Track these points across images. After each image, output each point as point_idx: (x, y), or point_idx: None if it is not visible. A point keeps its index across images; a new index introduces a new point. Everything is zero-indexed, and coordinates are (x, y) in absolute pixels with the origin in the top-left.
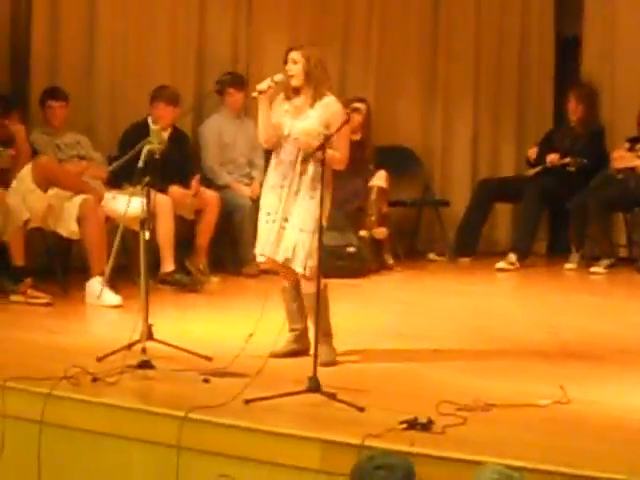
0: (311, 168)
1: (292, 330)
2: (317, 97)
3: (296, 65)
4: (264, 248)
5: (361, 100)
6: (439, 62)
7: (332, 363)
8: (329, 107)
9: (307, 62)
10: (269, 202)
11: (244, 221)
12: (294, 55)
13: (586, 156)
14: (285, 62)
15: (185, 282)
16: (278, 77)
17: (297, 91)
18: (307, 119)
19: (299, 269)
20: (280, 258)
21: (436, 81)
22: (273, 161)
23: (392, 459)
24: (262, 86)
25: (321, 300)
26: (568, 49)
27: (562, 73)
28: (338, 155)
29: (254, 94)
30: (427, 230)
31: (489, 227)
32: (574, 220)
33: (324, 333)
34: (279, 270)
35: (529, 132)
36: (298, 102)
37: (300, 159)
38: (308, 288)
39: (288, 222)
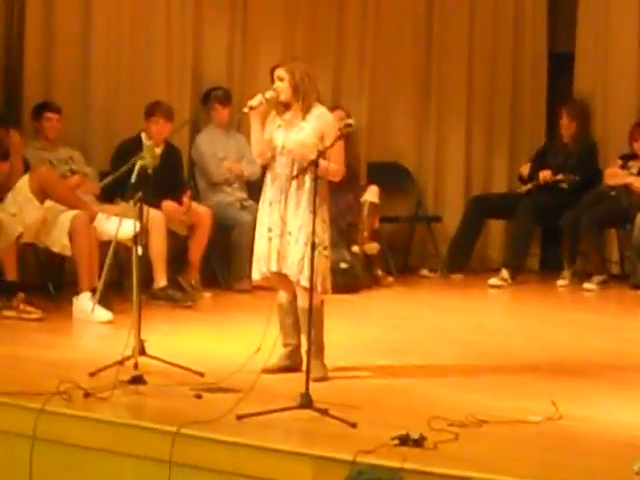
0: (308, 181)
1: (286, 345)
2: (306, 109)
3: (282, 82)
4: (266, 264)
5: (338, 107)
6: (432, 78)
7: (324, 379)
8: (322, 118)
9: (292, 76)
10: (269, 218)
11: (243, 237)
12: (279, 72)
13: (579, 173)
14: (272, 80)
15: (177, 298)
16: (269, 94)
17: (287, 106)
18: (301, 131)
19: (305, 282)
20: (287, 272)
21: (429, 96)
22: (268, 176)
23: (381, 473)
24: (253, 102)
25: (317, 315)
26: (561, 66)
27: (555, 90)
28: (334, 166)
29: (245, 109)
30: (420, 246)
31: (482, 243)
32: (566, 237)
33: (317, 349)
34: (276, 286)
35: (522, 149)
36: (289, 116)
37: (295, 172)
38: (307, 302)
39: (291, 236)
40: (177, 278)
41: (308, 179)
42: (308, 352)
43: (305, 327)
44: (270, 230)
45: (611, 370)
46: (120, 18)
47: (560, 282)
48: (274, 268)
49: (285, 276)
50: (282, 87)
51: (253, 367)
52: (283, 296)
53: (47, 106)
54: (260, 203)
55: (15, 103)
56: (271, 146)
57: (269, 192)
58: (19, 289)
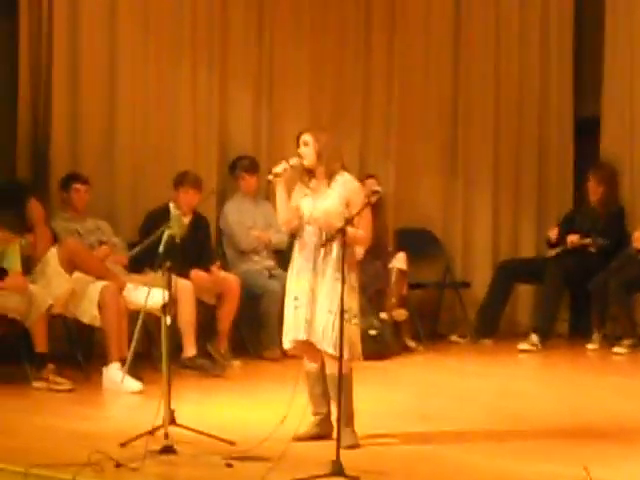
0: (335, 249)
1: (315, 414)
2: (331, 175)
3: (307, 147)
4: (293, 333)
5: (371, 176)
6: (459, 144)
7: (355, 446)
8: (346, 185)
9: (317, 142)
10: (296, 286)
11: (271, 305)
12: (304, 137)
13: (607, 236)
14: (298, 147)
15: (207, 367)
16: (293, 160)
17: (312, 173)
18: (328, 199)
19: (330, 350)
20: (312, 339)
21: (456, 163)
22: (296, 245)
23: None
24: (277, 169)
25: (346, 383)
26: (587, 129)
27: (581, 153)
28: (362, 233)
29: (269, 177)
30: (448, 312)
31: (510, 308)
32: (595, 300)
33: (347, 416)
34: (305, 354)
35: (549, 213)
36: (314, 184)
37: (323, 240)
38: (334, 369)
39: (317, 304)
40: (206, 347)
41: (335, 247)
42: (338, 420)
43: (334, 394)
44: (296, 299)
45: None
46: (146, 89)
47: (590, 346)
48: (303, 337)
49: (313, 344)
50: (306, 152)
51: (283, 435)
52: (311, 364)
53: (75, 177)
54: (289, 272)
55: (42, 174)
56: (298, 215)
57: (297, 261)
58: (49, 360)
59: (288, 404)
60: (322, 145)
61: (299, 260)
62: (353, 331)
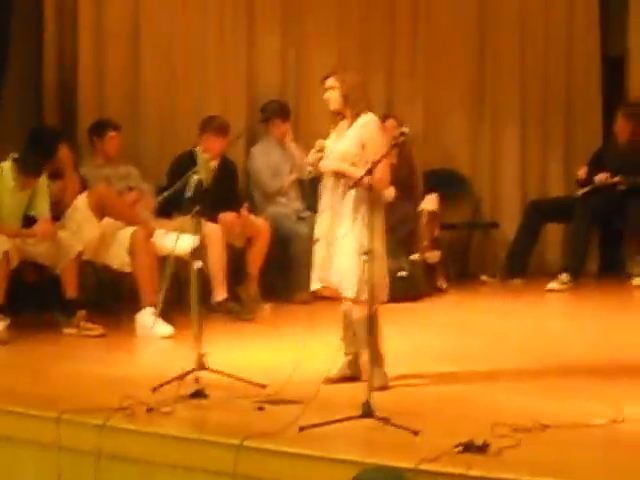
0: (353, 190)
1: (346, 354)
2: (355, 116)
3: (333, 91)
4: (318, 274)
5: (390, 117)
6: (486, 83)
7: (385, 387)
8: (365, 127)
9: (343, 84)
10: (318, 228)
11: (300, 248)
12: (330, 82)
13: (636, 174)
14: (325, 90)
15: (237, 310)
16: (320, 144)
17: (341, 115)
18: (344, 140)
19: (348, 294)
20: (332, 282)
21: (483, 102)
22: (320, 186)
23: (385, 473)
24: (311, 159)
25: (372, 325)
26: (614, 68)
27: (609, 92)
28: (378, 176)
29: (309, 169)
30: (478, 252)
31: (540, 248)
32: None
33: (376, 357)
34: (333, 294)
35: (578, 152)
36: (341, 126)
37: (342, 186)
38: (358, 313)
39: (333, 246)
40: (236, 291)
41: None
42: (369, 361)
43: (359, 337)
44: (317, 240)
45: None
46: (172, 33)
47: (635, 281)
48: (325, 279)
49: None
50: (332, 96)
51: (315, 378)
52: (345, 304)
53: (108, 124)
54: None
55: (70, 121)
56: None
57: (321, 201)
58: (80, 307)
59: (305, 347)
60: (348, 87)
61: (321, 201)
62: (377, 273)
